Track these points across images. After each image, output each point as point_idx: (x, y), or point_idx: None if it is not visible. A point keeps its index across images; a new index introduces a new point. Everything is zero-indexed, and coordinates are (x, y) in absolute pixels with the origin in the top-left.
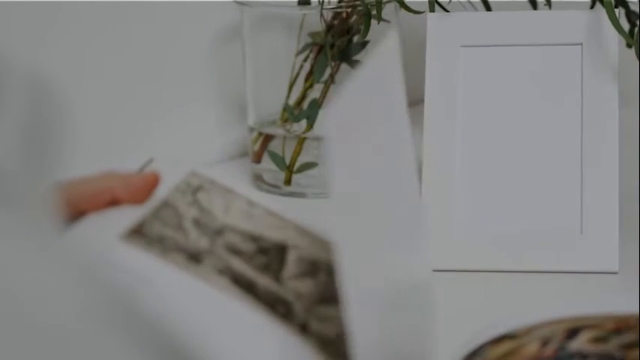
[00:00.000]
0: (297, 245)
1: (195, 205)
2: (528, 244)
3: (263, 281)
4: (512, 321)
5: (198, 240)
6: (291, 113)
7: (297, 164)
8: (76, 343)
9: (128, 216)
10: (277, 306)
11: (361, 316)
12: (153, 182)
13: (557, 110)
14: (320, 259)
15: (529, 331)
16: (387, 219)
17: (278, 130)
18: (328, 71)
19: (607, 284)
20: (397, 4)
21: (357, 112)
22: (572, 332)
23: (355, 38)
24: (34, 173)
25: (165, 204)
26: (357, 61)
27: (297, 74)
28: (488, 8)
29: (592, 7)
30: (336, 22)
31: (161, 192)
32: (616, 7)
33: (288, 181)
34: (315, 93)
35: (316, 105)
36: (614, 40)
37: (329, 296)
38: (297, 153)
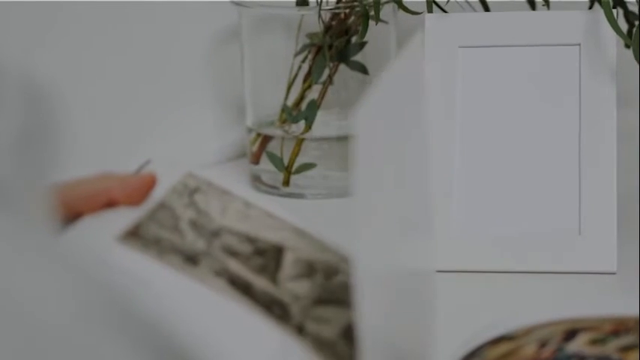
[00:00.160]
0: (294, 246)
1: (192, 207)
2: (527, 245)
3: (260, 283)
4: (511, 322)
5: (194, 242)
6: (290, 114)
7: (296, 165)
8: (74, 345)
9: (124, 217)
10: (274, 307)
11: (371, 309)
12: (149, 184)
13: (555, 111)
14: (317, 260)
15: (527, 332)
16: (402, 214)
17: (276, 131)
18: (326, 72)
19: (606, 285)
20: (395, 5)
21: (385, 112)
22: (570, 334)
23: (353, 39)
24: (30, 175)
25: (162, 205)
26: (355, 62)
27: (296, 75)
28: (486, 9)
29: (590, 7)
30: (334, 22)
31: (158, 193)
32: (614, 7)
33: (286, 182)
34: (313, 94)
35: (314, 106)
36: (612, 40)
37: (326, 297)
38: (295, 154)
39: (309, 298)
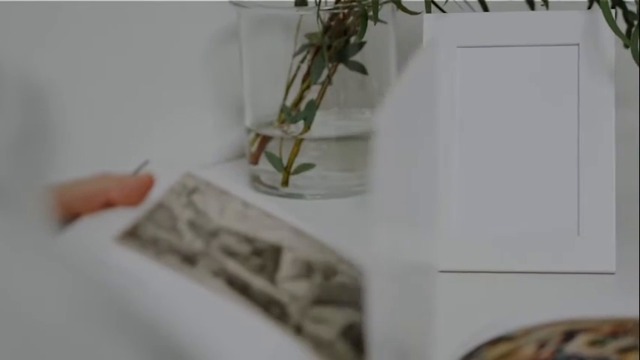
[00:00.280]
0: (293, 247)
1: (191, 207)
2: (525, 245)
3: (258, 283)
4: (510, 322)
5: (192, 242)
6: (289, 114)
7: (295, 165)
8: (71, 345)
9: (122, 218)
10: (272, 307)
11: (380, 305)
12: (147, 184)
13: (554, 111)
14: (315, 260)
15: (526, 333)
16: (412, 210)
17: (275, 132)
18: (325, 72)
19: (605, 285)
20: (394, 5)
21: (404, 112)
22: (569, 335)
23: (352, 39)
24: (28, 175)
25: (160, 206)
26: (354, 62)
27: (295, 75)
28: (485, 9)
29: (589, 7)
30: (333, 23)
31: (156, 194)
32: (613, 7)
33: (285, 183)
34: (312, 94)
35: (313, 106)
36: (610, 40)
37: (324, 298)
38: (294, 154)
39: (307, 298)
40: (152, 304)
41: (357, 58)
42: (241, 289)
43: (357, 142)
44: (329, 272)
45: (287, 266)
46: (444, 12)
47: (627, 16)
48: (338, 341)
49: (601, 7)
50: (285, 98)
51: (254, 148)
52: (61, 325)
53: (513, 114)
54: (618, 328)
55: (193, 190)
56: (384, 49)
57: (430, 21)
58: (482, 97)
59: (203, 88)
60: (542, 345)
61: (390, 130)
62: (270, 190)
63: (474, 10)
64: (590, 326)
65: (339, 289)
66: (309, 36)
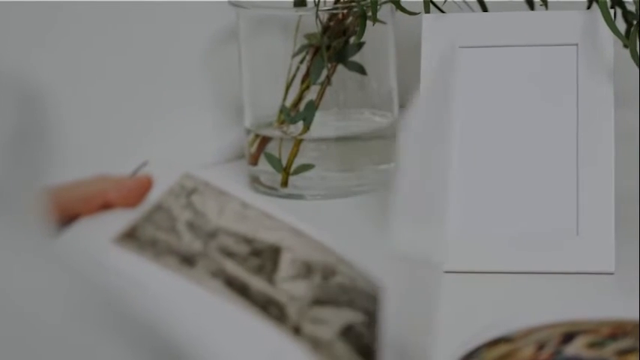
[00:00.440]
0: (291, 247)
1: (189, 208)
2: (524, 245)
3: (256, 283)
4: (509, 323)
5: (191, 243)
6: (288, 115)
7: (294, 166)
8: (69, 346)
9: (121, 219)
10: (270, 308)
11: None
12: (146, 185)
13: (553, 111)
14: (314, 260)
15: (525, 334)
16: (431, 208)
17: (275, 132)
18: (324, 73)
19: (605, 286)
20: (393, 5)
21: (430, 115)
22: (568, 337)
23: (351, 40)
24: (25, 176)
25: (159, 207)
26: (353, 63)
27: (294, 76)
28: (484, 9)
29: (588, 7)
30: (332, 23)
31: (155, 195)
32: (612, 7)
33: (284, 183)
34: (311, 94)
35: (312, 106)
36: (609, 40)
37: (323, 298)
38: (293, 155)
39: (306, 298)
40: (150, 305)
41: (356, 58)
42: (240, 289)
43: (356, 142)
44: (328, 272)
45: (286, 267)
46: (443, 12)
47: (626, 15)
48: (337, 342)
49: (600, 7)
50: (284, 99)
51: (253, 149)
52: (59, 326)
53: (512, 114)
54: (618, 330)
55: (192, 191)
56: (383, 50)
57: (429, 21)
58: (481, 97)
59: (202, 88)
60: (541, 346)
61: (417, 128)
62: (269, 190)
63: (472, 11)
64: (589, 328)
65: (338, 290)
66: (309, 36)
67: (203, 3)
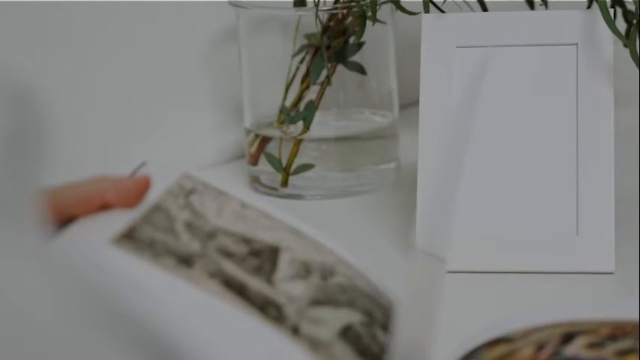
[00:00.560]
0: (290, 247)
1: (188, 208)
2: (524, 245)
3: (255, 284)
4: (508, 324)
5: (189, 243)
6: (288, 115)
7: (294, 166)
8: (67, 348)
9: (119, 220)
10: (269, 308)
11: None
12: (144, 186)
13: (552, 110)
14: (313, 260)
15: (525, 334)
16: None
17: (274, 132)
18: (324, 73)
19: (605, 286)
20: (393, 5)
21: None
22: (568, 337)
23: (351, 39)
24: (20, 178)
25: (157, 207)
26: (353, 63)
27: (294, 76)
28: (484, 8)
29: (589, 6)
30: (331, 23)
31: (153, 195)
32: (613, 6)
33: (284, 183)
34: (311, 94)
35: (312, 106)
36: (609, 40)
37: (321, 298)
38: (293, 155)
39: (304, 299)
40: (148, 306)
41: (356, 58)
42: (238, 290)
43: (356, 142)
44: (327, 273)
45: (284, 267)
46: (443, 12)
47: (627, 15)
48: (336, 342)
49: (599, 7)
50: (284, 99)
51: (253, 149)
52: (54, 327)
53: (512, 113)
54: (617, 331)
55: (191, 191)
56: (383, 50)
57: (428, 21)
58: (480, 97)
59: (202, 88)
60: (540, 347)
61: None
62: (269, 190)
63: (472, 10)
64: (589, 328)
65: (337, 290)
66: (308, 36)
67: (203, 3)
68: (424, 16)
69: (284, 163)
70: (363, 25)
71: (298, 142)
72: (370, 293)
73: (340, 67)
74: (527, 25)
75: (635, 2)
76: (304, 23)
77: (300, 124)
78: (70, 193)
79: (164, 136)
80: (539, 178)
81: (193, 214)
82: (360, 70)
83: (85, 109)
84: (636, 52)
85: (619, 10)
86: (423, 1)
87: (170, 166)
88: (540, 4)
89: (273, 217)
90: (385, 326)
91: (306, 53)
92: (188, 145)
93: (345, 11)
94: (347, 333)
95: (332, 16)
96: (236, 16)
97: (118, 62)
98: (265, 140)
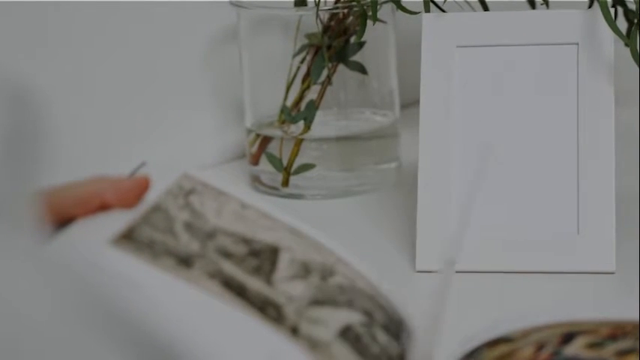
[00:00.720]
0: (290, 247)
1: (187, 208)
2: (525, 245)
3: (254, 284)
4: (509, 324)
5: (189, 243)
6: (289, 115)
7: (295, 166)
8: (64, 349)
9: (118, 221)
10: (268, 309)
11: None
12: (143, 186)
13: (553, 110)
14: (312, 260)
15: (525, 334)
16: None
17: (275, 132)
18: (325, 72)
19: (605, 286)
20: (394, 5)
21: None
22: (568, 337)
23: (352, 39)
24: (16, 178)
25: (156, 208)
26: (354, 62)
27: (295, 76)
28: (485, 8)
29: (590, 6)
30: (332, 23)
31: (152, 196)
32: (614, 6)
33: (285, 183)
34: (312, 94)
35: (313, 106)
36: (610, 39)
37: (321, 298)
38: (294, 154)
39: (304, 299)
40: (147, 306)
41: (356, 58)
42: (237, 290)
43: (357, 142)
44: (326, 273)
45: (284, 267)
46: (443, 11)
47: (628, 14)
48: (335, 342)
49: (600, 7)
50: (285, 98)
51: (254, 149)
52: (51, 327)
53: (513, 113)
54: (617, 331)
55: (190, 192)
56: (383, 49)
57: (429, 20)
58: (481, 96)
59: (203, 88)
60: (540, 347)
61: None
62: (270, 190)
63: (474, 10)
64: (589, 328)
65: (336, 290)
66: (309, 36)
67: (204, 3)
68: (424, 15)
69: (285, 162)
70: (364, 25)
71: (299, 142)
72: (370, 293)
73: (341, 67)
74: (528, 25)
75: (636, 2)
76: (305, 23)
77: (301, 123)
78: (69, 194)
79: (165, 136)
80: (540, 177)
81: (193, 215)
82: (361, 69)
83: (85, 108)
84: (637, 52)
85: (620, 10)
86: (424, 1)
87: (170, 167)
88: (541, 4)
89: (272, 217)
90: (385, 327)
91: (307, 53)
92: (189, 145)
93: (345, 11)
94: (346, 333)
95: (333, 16)
96: (237, 15)
97: (119, 62)
98: (266, 140)
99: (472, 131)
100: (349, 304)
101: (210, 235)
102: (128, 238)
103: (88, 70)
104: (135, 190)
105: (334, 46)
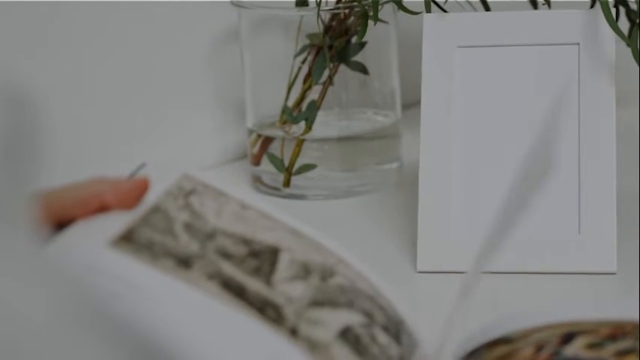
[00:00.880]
0: (290, 248)
1: (187, 209)
2: (525, 245)
3: (253, 285)
4: (508, 324)
5: (188, 244)
6: (290, 115)
7: (296, 166)
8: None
9: (117, 222)
10: (267, 310)
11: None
12: (142, 187)
13: None
14: (312, 261)
15: (525, 335)
16: None
17: (277, 132)
18: (326, 73)
19: (606, 286)
20: (395, 5)
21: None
22: (568, 337)
23: (353, 39)
24: (13, 181)
25: (156, 209)
26: (355, 62)
27: (296, 76)
28: (487, 8)
29: (592, 6)
30: (334, 23)
31: (152, 197)
32: (615, 6)
33: (287, 183)
34: (313, 94)
35: (314, 106)
36: (611, 39)
37: (320, 299)
38: (295, 155)
39: (303, 300)
40: (146, 307)
41: (358, 58)
42: (237, 291)
43: (358, 142)
44: (326, 273)
45: (284, 268)
46: (445, 11)
47: (630, 14)
48: (334, 343)
49: (601, 7)
50: (286, 99)
51: (255, 149)
52: (49, 328)
53: (513, 113)
54: (617, 331)
55: (190, 192)
56: (385, 49)
57: (430, 21)
58: (482, 96)
59: (204, 89)
60: (540, 347)
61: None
62: (271, 191)
63: (475, 10)
64: (588, 329)
65: (336, 291)
66: (310, 36)
67: (205, 3)
68: (425, 15)
69: (286, 163)
70: (365, 25)
71: (300, 142)
72: (370, 294)
73: (342, 67)
74: (529, 25)
75: (637, 2)
76: (306, 23)
77: (303, 124)
78: (68, 195)
79: (166, 136)
80: None
81: (192, 215)
82: (363, 69)
83: (85, 109)
84: (638, 52)
85: (622, 10)
86: (425, 1)
87: (170, 167)
88: (543, 4)
89: (272, 217)
90: (385, 328)
91: (309, 53)
92: (190, 145)
93: (347, 11)
94: (346, 334)
95: (334, 16)
96: (238, 16)
97: (119, 62)
98: (267, 140)
99: (473, 131)
100: (349, 305)
101: (210, 235)
102: (127, 239)
103: (88, 70)
104: (134, 192)
105: (335, 46)
